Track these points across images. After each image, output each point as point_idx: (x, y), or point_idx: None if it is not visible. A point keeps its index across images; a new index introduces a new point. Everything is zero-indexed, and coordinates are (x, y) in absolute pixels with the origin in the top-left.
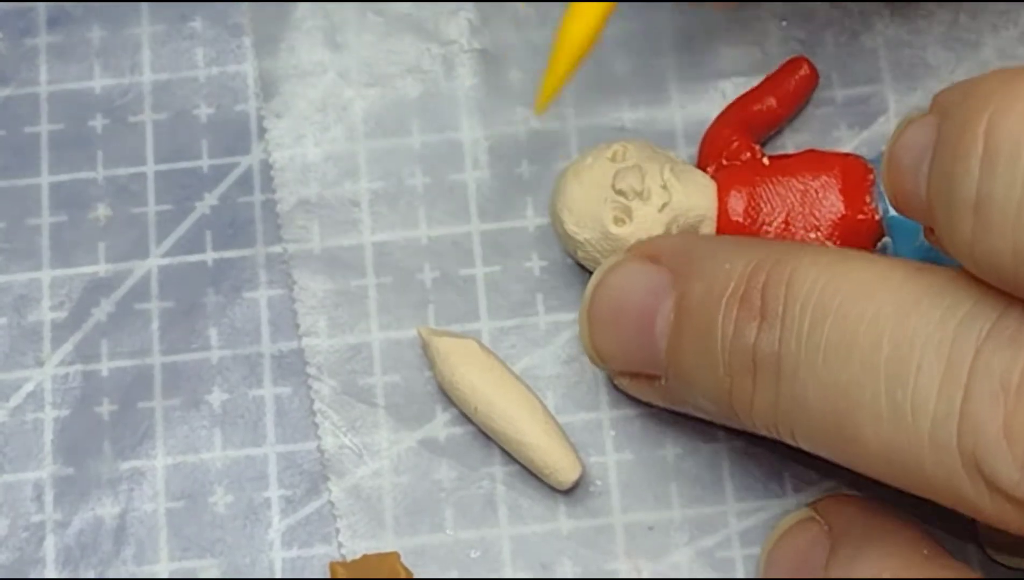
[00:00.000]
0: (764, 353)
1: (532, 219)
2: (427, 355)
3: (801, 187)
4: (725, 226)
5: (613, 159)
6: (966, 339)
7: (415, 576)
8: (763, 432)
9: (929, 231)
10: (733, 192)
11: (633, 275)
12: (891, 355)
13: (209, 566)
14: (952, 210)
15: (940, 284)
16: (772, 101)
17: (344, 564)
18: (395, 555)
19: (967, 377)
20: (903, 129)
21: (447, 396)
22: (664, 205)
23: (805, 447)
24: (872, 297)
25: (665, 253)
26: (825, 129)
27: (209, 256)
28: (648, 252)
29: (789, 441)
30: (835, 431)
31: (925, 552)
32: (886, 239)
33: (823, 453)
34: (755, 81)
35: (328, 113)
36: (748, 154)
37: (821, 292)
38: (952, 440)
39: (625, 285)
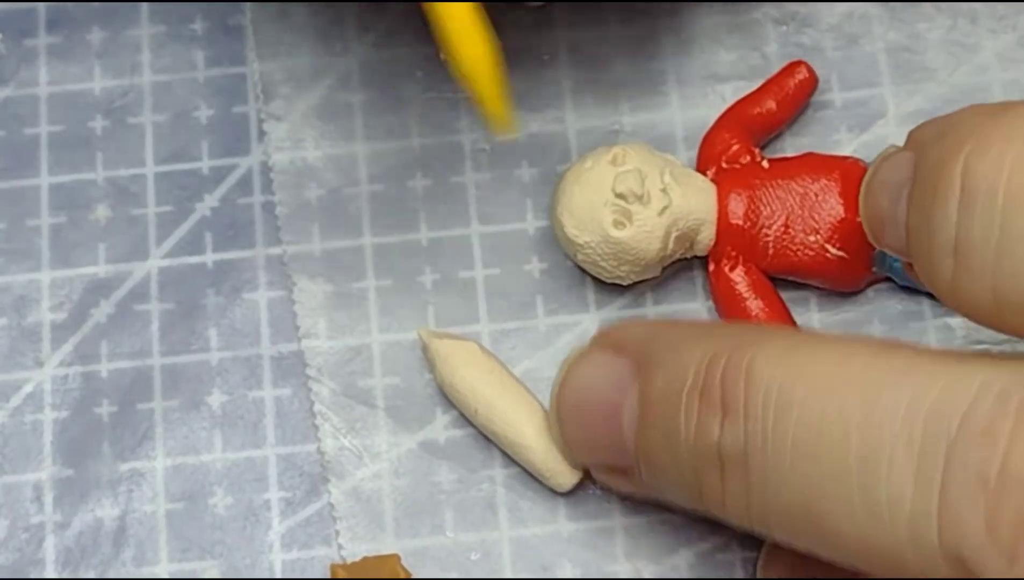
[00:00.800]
0: (730, 450)
1: (532, 222)
2: (427, 357)
3: (801, 190)
4: (725, 229)
5: (613, 162)
6: (936, 435)
7: (415, 578)
8: (738, 526)
9: (909, 266)
10: (733, 195)
11: (597, 368)
12: (860, 452)
13: (209, 568)
14: (932, 253)
15: (902, 368)
16: (772, 104)
17: (344, 566)
18: (395, 557)
19: (942, 476)
20: (879, 165)
21: (447, 398)
22: (664, 208)
23: (783, 541)
24: (834, 389)
25: (628, 342)
26: (825, 132)
27: (209, 257)
28: (612, 342)
29: (765, 535)
30: (811, 528)
31: None
32: None
33: (802, 547)
34: (755, 85)
35: (328, 115)
36: (748, 157)
37: (781, 384)
38: (933, 537)
39: (590, 380)
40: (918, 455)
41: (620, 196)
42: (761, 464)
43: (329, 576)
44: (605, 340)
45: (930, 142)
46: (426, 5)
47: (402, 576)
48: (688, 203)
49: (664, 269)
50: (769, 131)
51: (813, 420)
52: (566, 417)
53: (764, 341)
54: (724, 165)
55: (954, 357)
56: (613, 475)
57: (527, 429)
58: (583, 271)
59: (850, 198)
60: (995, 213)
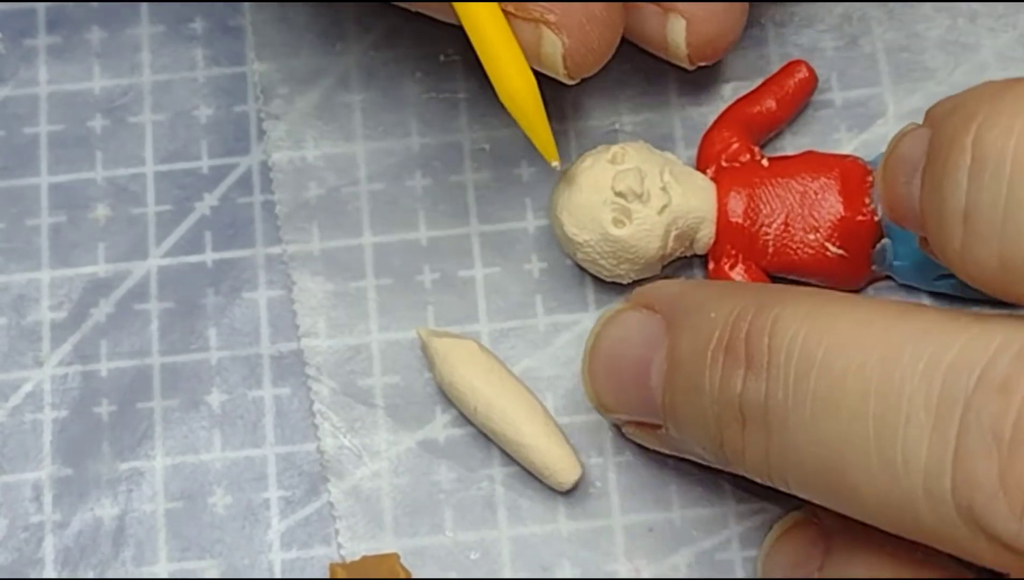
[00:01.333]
0: (751, 404)
1: (531, 221)
2: (426, 356)
3: (800, 188)
4: (725, 228)
5: (612, 161)
6: (953, 390)
7: (414, 577)
8: (758, 480)
9: (923, 241)
10: (732, 193)
11: (630, 325)
12: (879, 408)
13: (208, 567)
14: (943, 220)
15: (924, 329)
16: (771, 103)
17: (344, 565)
18: (394, 556)
19: (957, 429)
20: (897, 141)
21: (446, 397)
22: (664, 207)
23: (800, 495)
24: (856, 347)
25: (660, 302)
26: (825, 132)
27: (209, 257)
28: (645, 301)
29: (784, 489)
30: (829, 482)
31: (919, 554)
32: (885, 240)
33: (819, 501)
34: (754, 85)
35: (327, 115)
36: (747, 156)
37: (804, 341)
38: (947, 494)
39: (622, 336)
40: (935, 410)
41: (620, 195)
42: (781, 418)
43: (328, 575)
44: (639, 298)
45: (944, 117)
46: (474, 41)
47: (401, 575)
48: (688, 201)
49: (664, 268)
50: (769, 130)
51: (834, 376)
52: (598, 373)
53: (789, 300)
54: (724, 163)
55: (976, 317)
56: (642, 430)
57: (527, 427)
58: (583, 270)
59: (850, 196)
60: (1003, 180)
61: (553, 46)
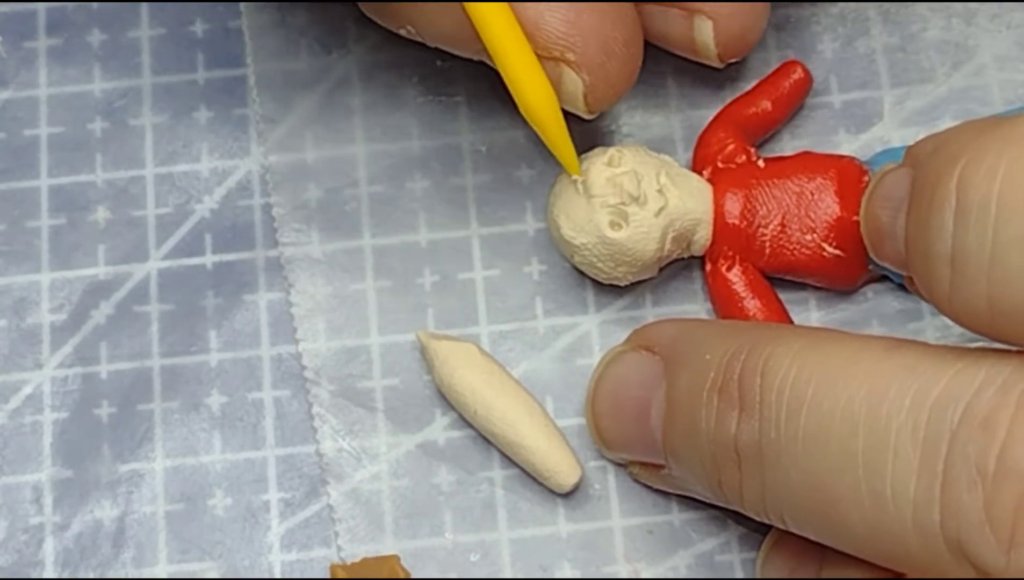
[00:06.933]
0: (746, 444)
1: (531, 223)
2: (426, 358)
3: (797, 189)
4: (721, 229)
5: (609, 164)
6: (939, 424)
7: (415, 578)
8: (757, 518)
9: (910, 281)
10: (729, 195)
11: (630, 366)
12: (867, 443)
13: (208, 569)
14: (929, 263)
15: (910, 365)
16: (767, 104)
17: (344, 567)
18: (395, 558)
19: (944, 463)
20: (879, 181)
21: (446, 399)
22: (661, 209)
23: (797, 532)
24: (844, 384)
25: (659, 342)
26: (823, 133)
27: (208, 259)
28: (644, 342)
29: (781, 526)
30: (822, 518)
31: None
32: None
33: (813, 537)
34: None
35: (327, 117)
36: (743, 157)
37: (795, 380)
38: (935, 527)
39: (622, 376)
40: (922, 444)
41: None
42: (774, 458)
43: (329, 577)
44: (639, 339)
45: (927, 157)
46: (494, 55)
47: (401, 577)
48: (684, 203)
49: (661, 270)
50: (764, 130)
51: (823, 412)
52: (601, 413)
53: (780, 340)
54: (720, 165)
55: (962, 353)
56: (647, 470)
57: (526, 430)
58: (582, 273)
59: (846, 197)
60: (989, 223)
61: (574, 84)
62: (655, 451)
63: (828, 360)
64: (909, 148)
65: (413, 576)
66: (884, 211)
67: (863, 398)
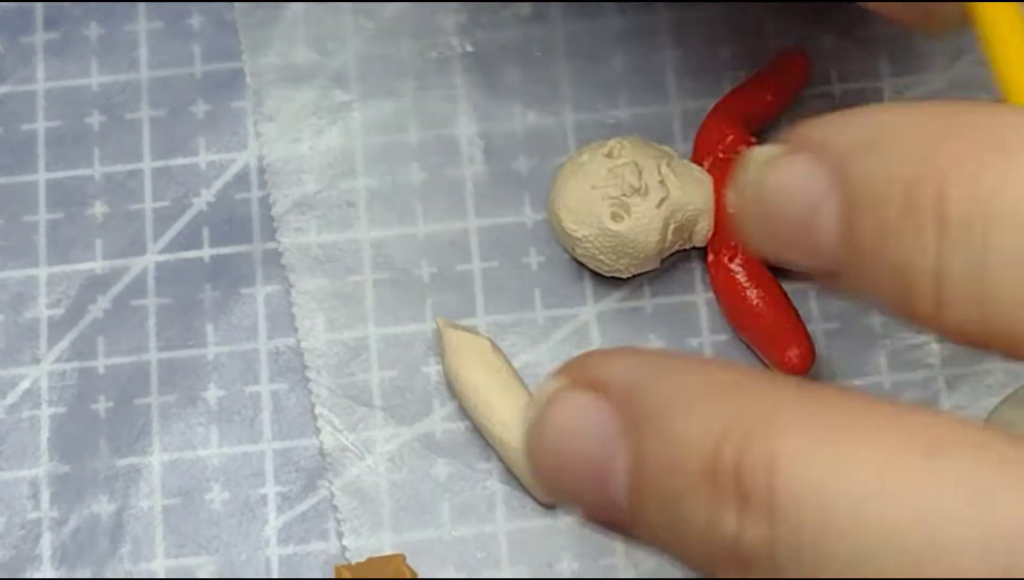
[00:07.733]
0: (754, 548)
1: (530, 215)
2: (439, 345)
3: None
4: (723, 219)
5: (609, 155)
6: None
7: (420, 578)
8: None
9: (828, 278)
10: (730, 185)
11: (577, 415)
12: (934, 568)
13: (205, 563)
14: (908, 278)
15: (963, 480)
16: (766, 93)
17: (349, 567)
18: (400, 556)
19: None
20: (769, 170)
21: (448, 388)
22: (662, 200)
23: None
24: (884, 506)
25: (609, 383)
26: None
27: (206, 253)
28: (590, 379)
29: None
30: None
31: None
32: None
33: None
34: None
35: (323, 111)
36: (744, 147)
37: (817, 492)
38: None
39: (568, 428)
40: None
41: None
42: (796, 572)
43: (333, 576)
44: (582, 372)
45: (854, 153)
46: (995, 61)
47: (407, 576)
48: (685, 194)
49: (663, 261)
50: (765, 120)
51: (866, 541)
52: (543, 467)
53: (782, 425)
54: (720, 155)
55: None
56: (601, 524)
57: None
58: (581, 264)
59: None
60: (977, 240)
61: None
62: (615, 514)
63: (855, 465)
64: (799, 130)
65: (412, 570)
66: (791, 208)
67: (914, 528)
